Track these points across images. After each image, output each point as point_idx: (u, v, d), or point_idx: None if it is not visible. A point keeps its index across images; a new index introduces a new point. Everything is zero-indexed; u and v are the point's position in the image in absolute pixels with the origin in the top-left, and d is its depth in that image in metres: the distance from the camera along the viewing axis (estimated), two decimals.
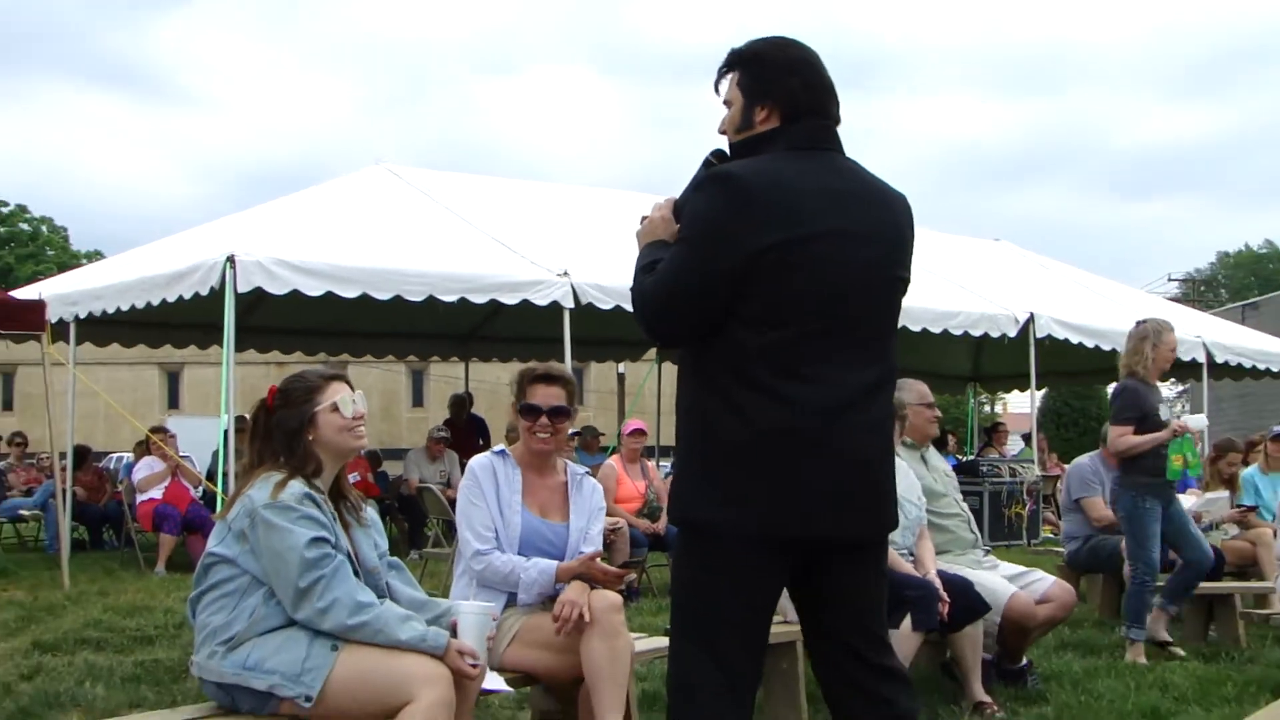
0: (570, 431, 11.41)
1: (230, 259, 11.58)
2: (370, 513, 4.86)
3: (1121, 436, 8.49)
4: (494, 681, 4.88)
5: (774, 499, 3.71)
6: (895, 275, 3.94)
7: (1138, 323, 9.05)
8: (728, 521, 3.73)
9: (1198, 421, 8.99)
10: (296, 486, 4.47)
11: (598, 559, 5.43)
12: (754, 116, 3.94)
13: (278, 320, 16.95)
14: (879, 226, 3.88)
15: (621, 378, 35.83)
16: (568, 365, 12.91)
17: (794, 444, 3.70)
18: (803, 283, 3.71)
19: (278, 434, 4.62)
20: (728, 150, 4.02)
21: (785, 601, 6.80)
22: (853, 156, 3.98)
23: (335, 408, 4.62)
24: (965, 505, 7.96)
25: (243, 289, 11.72)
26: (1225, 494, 11.13)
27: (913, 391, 7.52)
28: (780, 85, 3.90)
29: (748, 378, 3.72)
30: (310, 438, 4.61)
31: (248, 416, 13.92)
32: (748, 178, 3.76)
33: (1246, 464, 12.21)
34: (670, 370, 22.01)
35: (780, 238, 3.69)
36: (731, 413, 3.74)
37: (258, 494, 4.44)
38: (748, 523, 3.71)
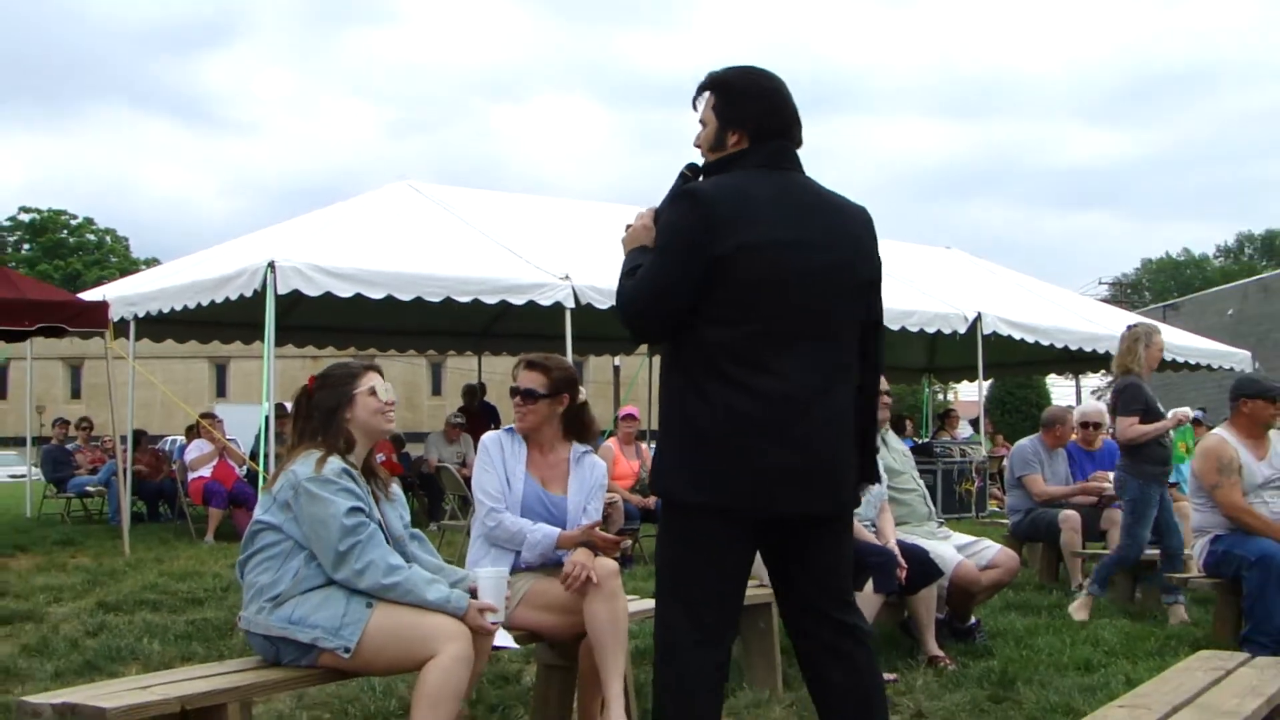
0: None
1: (271, 265, 11.63)
2: (396, 489, 4.88)
3: (1130, 427, 8.48)
4: (503, 639, 4.88)
5: (737, 480, 3.76)
6: (856, 277, 3.95)
7: (1129, 327, 9.09)
8: (697, 499, 3.79)
9: (1191, 412, 9.06)
10: (335, 462, 4.49)
11: (596, 528, 5.44)
12: (726, 139, 3.98)
13: (313, 319, 16.99)
14: (834, 235, 3.91)
15: (617, 370, 35.88)
16: (569, 358, 12.93)
17: (756, 430, 3.74)
18: (762, 285, 3.77)
19: (318, 413, 4.64)
20: (700, 163, 4.06)
21: (760, 567, 6.82)
22: (812, 173, 4.02)
23: (373, 391, 4.66)
24: (921, 482, 7.97)
25: (282, 291, 11.75)
26: None
27: None
28: (750, 112, 3.96)
29: (715, 370, 3.78)
30: (347, 416, 4.63)
31: (287, 404, 13.94)
32: (713, 194, 3.83)
33: None
34: (659, 362, 22.02)
35: (740, 245, 3.75)
36: (701, 400, 3.80)
37: (301, 469, 4.46)
38: (714, 500, 3.77)
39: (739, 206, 3.81)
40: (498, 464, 5.47)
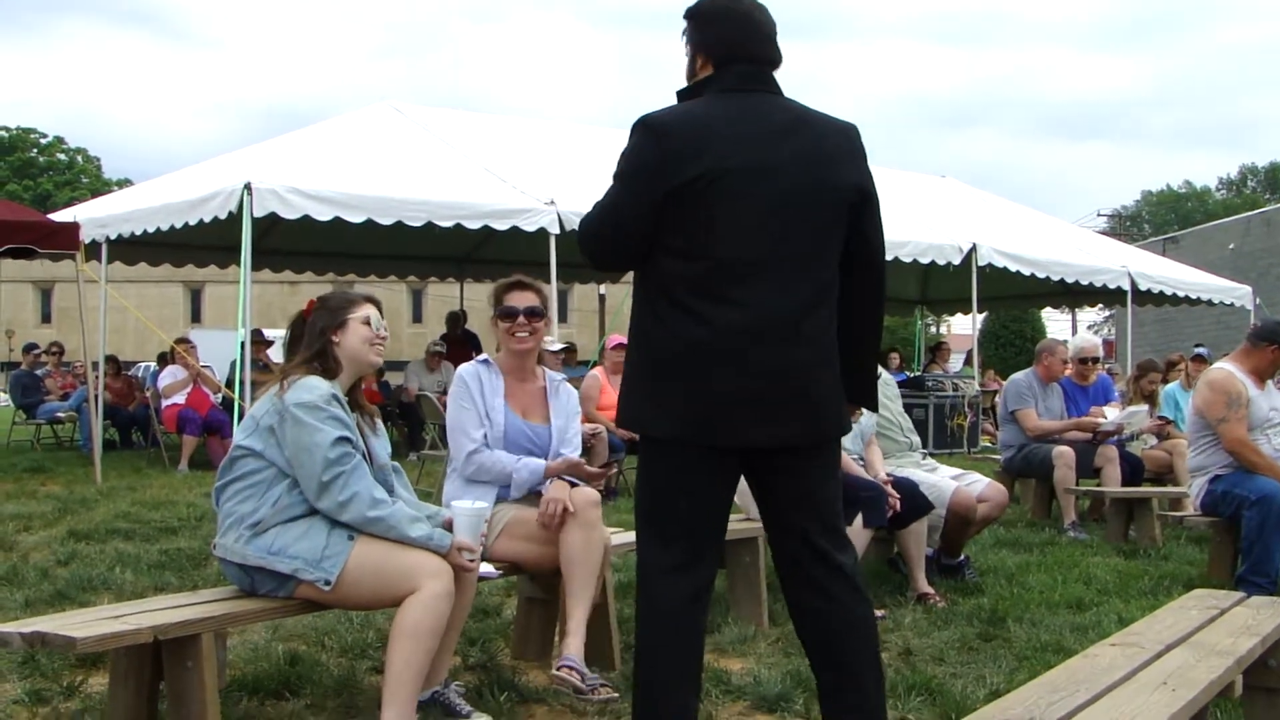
0: (556, 347, 11.46)
1: (247, 186, 11.58)
2: (379, 423, 4.89)
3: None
4: (485, 569, 4.90)
5: (695, 408, 3.79)
6: (831, 196, 3.87)
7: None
8: (658, 427, 3.86)
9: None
10: (324, 386, 4.48)
11: (582, 463, 5.45)
12: (695, 66, 4.01)
13: (290, 243, 16.93)
14: (803, 156, 3.85)
15: (602, 298, 35.86)
16: (553, 286, 12.91)
17: (716, 359, 3.76)
18: (721, 214, 3.76)
19: (309, 334, 4.66)
20: None
21: (747, 499, 6.84)
22: (793, 95, 3.98)
23: (366, 321, 4.67)
24: (902, 413, 7.98)
25: (258, 214, 11.71)
26: (1145, 407, 11.16)
27: None
28: (715, 36, 3.96)
29: (676, 300, 3.80)
30: (335, 340, 4.63)
31: (264, 330, 13.67)
32: (668, 122, 3.83)
33: (1166, 382, 12.25)
34: None
35: (695, 174, 3.74)
36: (661, 330, 3.83)
37: (290, 393, 4.45)
38: (673, 429, 3.82)
39: (696, 134, 3.80)
40: (476, 398, 5.45)
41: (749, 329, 3.75)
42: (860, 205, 3.92)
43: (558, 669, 4.91)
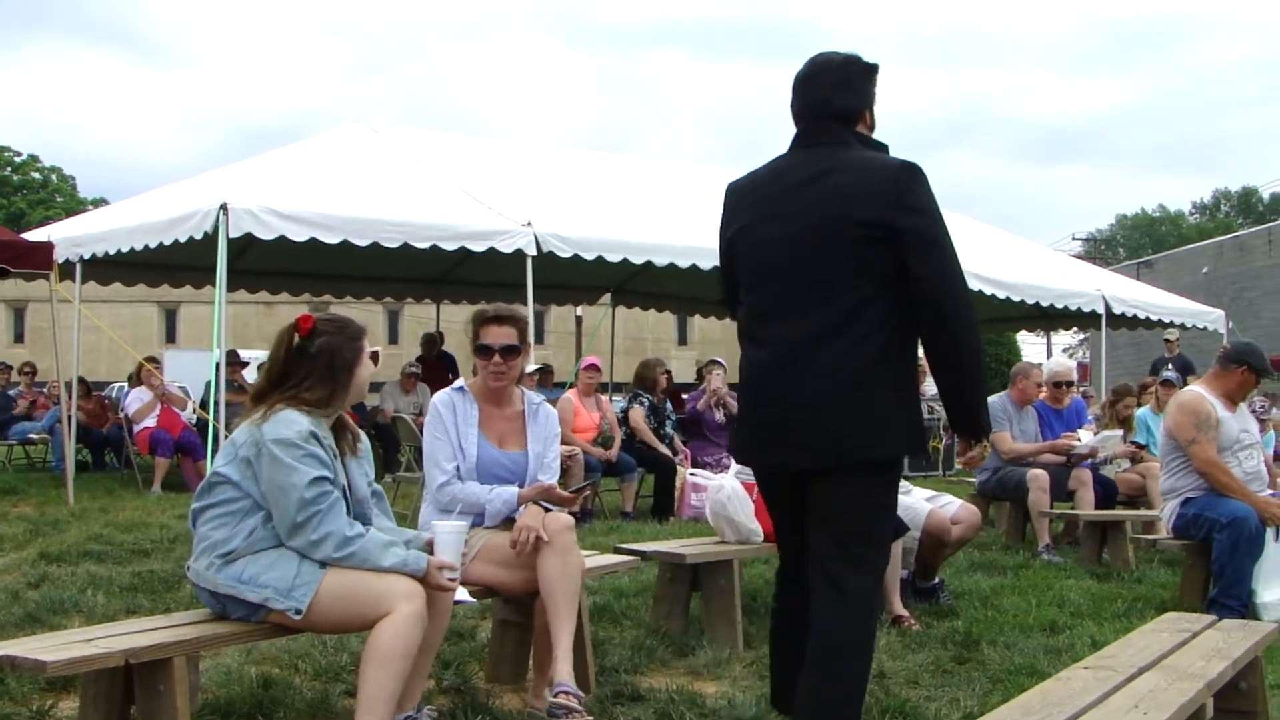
0: (531, 368, 11.45)
1: (223, 207, 11.53)
2: (364, 443, 4.83)
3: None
4: (460, 594, 4.88)
5: (739, 435, 4.60)
6: (842, 234, 4.13)
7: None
8: (730, 445, 5.00)
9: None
10: (304, 422, 4.43)
11: (555, 487, 5.44)
12: None
13: (266, 263, 16.87)
14: (819, 201, 4.19)
15: (579, 320, 35.86)
16: (530, 308, 12.91)
17: (749, 391, 4.41)
18: (744, 265, 4.43)
19: (322, 359, 4.55)
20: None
21: (723, 523, 6.84)
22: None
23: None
24: None
25: (234, 234, 11.66)
26: (1120, 432, 11.23)
27: None
28: (792, 102, 4.48)
29: (742, 337, 4.49)
30: (352, 374, 4.61)
31: (240, 351, 13.61)
32: (731, 186, 4.61)
33: (1140, 406, 12.32)
34: (621, 312, 22.04)
35: (732, 232, 4.49)
36: (741, 361, 4.50)
37: (268, 426, 4.41)
38: (733, 449, 4.91)
39: (739, 197, 4.52)
40: (450, 428, 5.43)
41: (769, 363, 4.28)
42: (897, 239, 4.09)
43: (555, 694, 4.82)
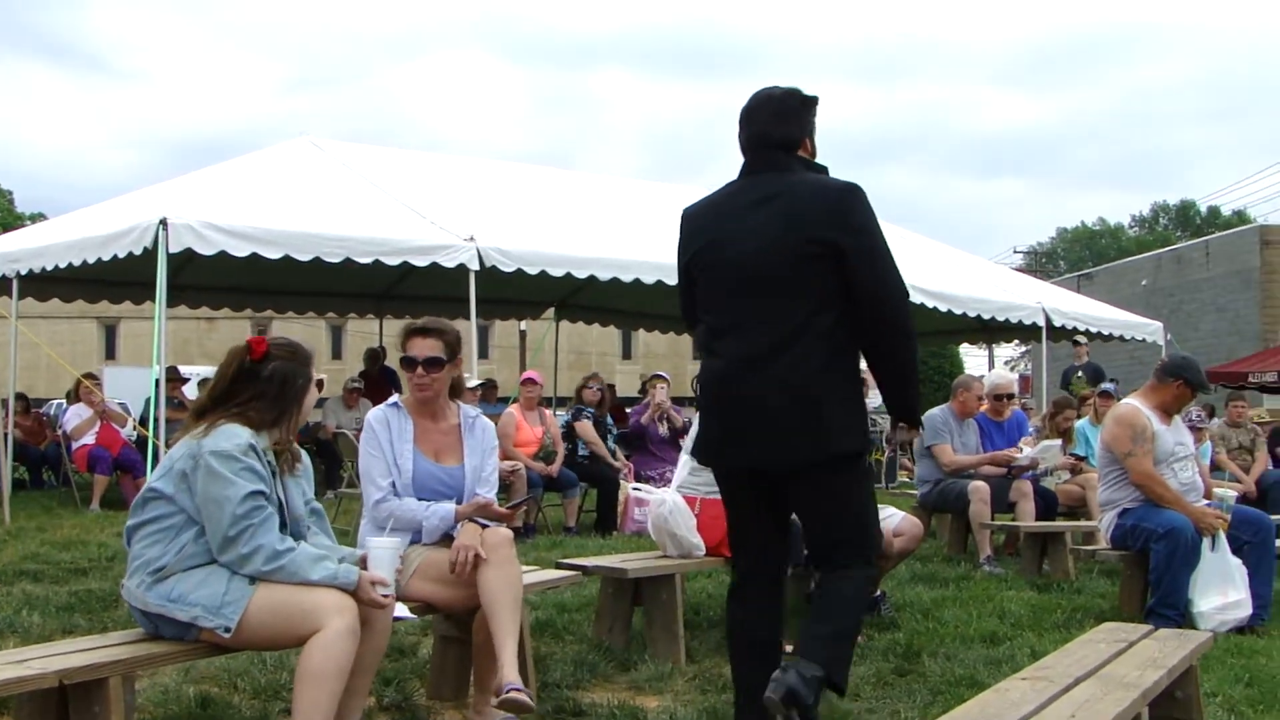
0: (473, 384, 11.42)
1: (163, 221, 11.43)
2: (305, 462, 4.81)
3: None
4: (399, 610, 4.86)
5: (700, 439, 4.86)
6: (794, 252, 4.47)
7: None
8: (692, 449, 5.11)
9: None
10: (244, 435, 4.42)
11: (493, 502, 5.43)
12: None
13: (207, 279, 16.72)
14: (770, 222, 4.53)
15: (523, 334, 35.77)
16: (473, 323, 12.89)
17: (709, 398, 4.72)
18: (703, 286, 4.76)
19: (274, 384, 4.56)
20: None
21: (665, 537, 6.85)
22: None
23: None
24: None
25: (174, 249, 11.56)
26: (1058, 442, 11.32)
27: None
28: (739, 136, 4.80)
29: (701, 350, 4.79)
30: (301, 402, 4.63)
31: (180, 367, 13.51)
32: (686, 213, 4.94)
33: (1080, 418, 12.42)
34: (566, 327, 22.03)
35: (691, 254, 4.82)
36: (700, 372, 4.79)
37: (208, 439, 4.39)
38: (695, 452, 4.99)
39: (695, 221, 4.85)
40: (384, 444, 5.41)
41: (729, 373, 4.59)
42: (841, 256, 4.45)
43: (507, 692, 4.74)
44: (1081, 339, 18.75)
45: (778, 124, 4.72)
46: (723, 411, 4.65)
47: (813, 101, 4.82)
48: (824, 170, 4.74)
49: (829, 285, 4.48)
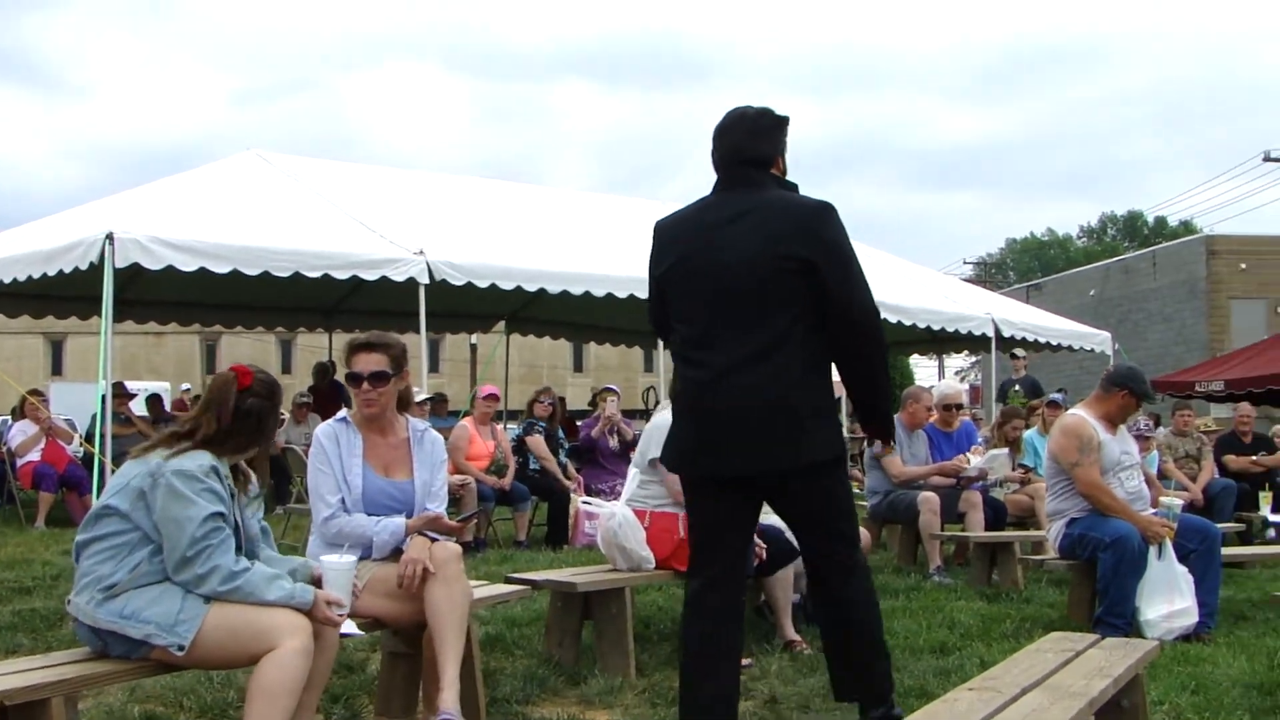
0: (422, 397, 11.39)
1: (110, 236, 11.35)
2: (254, 484, 4.80)
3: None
4: (347, 626, 4.85)
5: (673, 447, 4.93)
6: (769, 267, 4.63)
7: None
8: (665, 458, 5.11)
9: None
10: (206, 458, 4.42)
11: (443, 516, 5.42)
12: None
13: (155, 293, 16.65)
14: (744, 238, 4.68)
15: (474, 348, 35.71)
16: (423, 336, 12.86)
17: (685, 406, 4.85)
18: (678, 298, 4.87)
19: (251, 420, 4.60)
20: None
21: (614, 551, 6.84)
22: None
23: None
24: None
25: (121, 264, 11.48)
26: (1005, 451, 11.39)
27: None
28: (712, 154, 4.95)
29: (676, 359, 4.94)
30: (270, 440, 4.78)
31: (127, 383, 13.42)
32: (659, 226, 5.05)
33: (1029, 427, 12.50)
34: (517, 340, 22.00)
35: (665, 267, 4.91)
36: (676, 383, 4.96)
37: (170, 461, 4.38)
38: (668, 462, 5.06)
39: (668, 234, 4.97)
40: (333, 460, 5.39)
41: (701, 382, 4.73)
42: (815, 272, 4.62)
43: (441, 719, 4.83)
44: (1020, 352, 18.87)
45: (751, 142, 4.88)
46: (700, 420, 4.76)
47: (785, 121, 5.00)
48: (795, 188, 4.92)
49: (803, 299, 4.65)
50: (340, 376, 18.48)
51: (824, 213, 4.73)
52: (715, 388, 4.67)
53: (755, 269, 4.65)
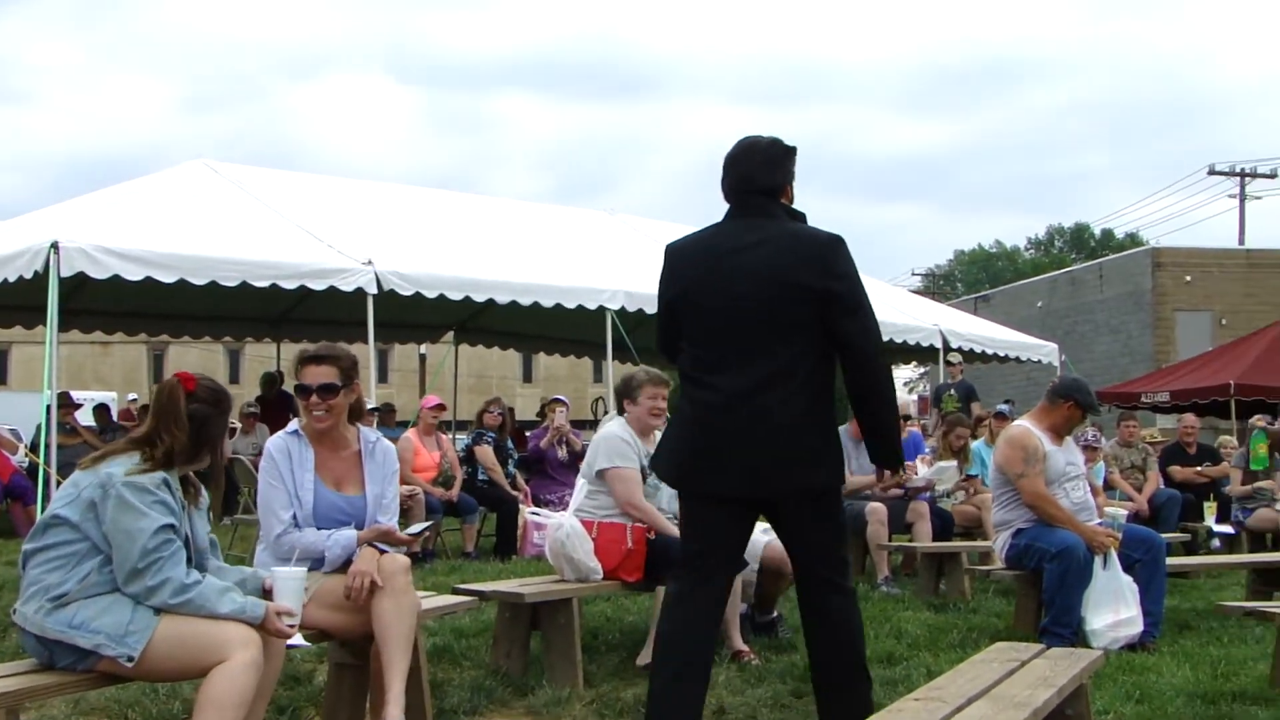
0: (370, 406, 11.35)
1: (54, 245, 11.30)
2: (204, 496, 4.78)
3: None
4: (295, 638, 4.83)
5: (675, 459, 5.02)
6: (782, 297, 4.78)
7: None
8: (663, 475, 5.27)
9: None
10: (157, 472, 4.39)
11: (394, 530, 5.41)
12: None
13: (101, 303, 16.53)
14: (756, 268, 4.82)
15: (423, 358, 35.62)
16: (371, 347, 12.83)
17: (694, 427, 4.94)
18: (689, 321, 4.99)
19: (192, 426, 4.54)
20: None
21: (562, 561, 6.84)
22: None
23: (232, 430, 4.66)
24: None
25: (66, 273, 11.43)
26: (954, 463, 11.46)
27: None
28: (723, 182, 5.08)
29: (686, 380, 5.00)
30: (216, 449, 4.68)
31: (72, 393, 13.32)
32: (670, 250, 5.18)
33: (975, 437, 12.58)
34: (466, 351, 21.95)
35: (675, 293, 5.06)
36: (681, 401, 5.01)
37: (117, 469, 4.36)
38: (664, 476, 5.26)
39: (680, 259, 5.09)
40: (285, 474, 5.36)
41: (712, 404, 4.84)
42: (824, 303, 4.80)
43: None
44: (955, 358, 19.01)
45: (763, 171, 5.02)
46: (708, 441, 4.87)
47: (793, 151, 5.12)
48: (803, 217, 5.07)
49: (812, 329, 4.82)
50: (288, 387, 18.54)
51: (835, 246, 4.91)
52: (724, 411, 4.81)
53: (766, 298, 4.80)
